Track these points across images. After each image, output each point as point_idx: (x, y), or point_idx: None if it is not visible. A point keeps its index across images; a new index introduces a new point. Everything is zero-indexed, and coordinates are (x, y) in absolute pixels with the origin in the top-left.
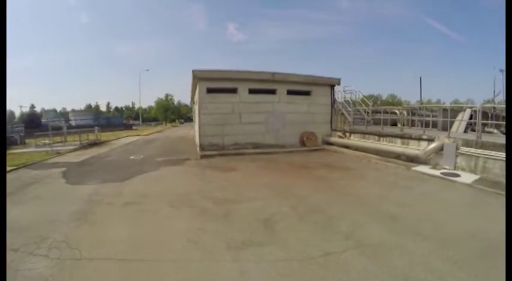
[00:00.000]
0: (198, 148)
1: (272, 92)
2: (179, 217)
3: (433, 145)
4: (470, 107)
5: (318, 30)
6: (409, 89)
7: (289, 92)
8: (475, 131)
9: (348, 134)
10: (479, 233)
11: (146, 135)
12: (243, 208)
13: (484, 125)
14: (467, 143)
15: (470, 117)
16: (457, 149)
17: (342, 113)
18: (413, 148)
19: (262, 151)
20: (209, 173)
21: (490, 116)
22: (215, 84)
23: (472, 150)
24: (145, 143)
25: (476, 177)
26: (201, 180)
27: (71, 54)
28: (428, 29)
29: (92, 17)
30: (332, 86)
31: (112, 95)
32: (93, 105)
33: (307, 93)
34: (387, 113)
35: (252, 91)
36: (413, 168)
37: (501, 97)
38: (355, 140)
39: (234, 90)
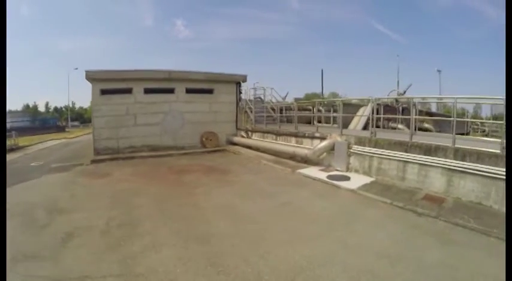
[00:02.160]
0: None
1: (170, 91)
2: None
3: (322, 144)
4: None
5: (268, 30)
6: (358, 88)
7: (189, 91)
8: (379, 127)
9: (250, 133)
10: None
11: (72, 138)
12: (64, 220)
13: (388, 120)
14: (359, 141)
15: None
16: (349, 148)
17: (246, 111)
18: (305, 148)
19: (157, 153)
20: (79, 181)
21: (400, 110)
22: (109, 85)
23: (366, 149)
24: (61, 148)
25: (370, 180)
26: (63, 188)
27: (9, 49)
28: (374, 31)
29: (33, 9)
30: (237, 83)
31: (53, 95)
32: (31, 105)
33: (209, 91)
34: (305, 110)
35: (148, 91)
36: (299, 170)
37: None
38: (255, 139)
39: (129, 91)
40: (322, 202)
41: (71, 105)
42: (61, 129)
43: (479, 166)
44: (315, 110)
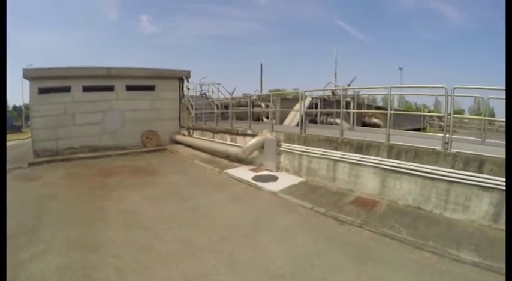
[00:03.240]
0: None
1: (110, 88)
2: None
3: (252, 141)
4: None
5: (234, 27)
6: (320, 84)
7: (130, 88)
8: (317, 122)
9: (191, 131)
10: None
11: (25, 139)
12: None
13: (328, 115)
14: (289, 138)
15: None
16: (279, 145)
17: (188, 108)
18: (236, 146)
19: (96, 154)
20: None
21: (344, 105)
22: (47, 83)
23: (296, 146)
24: (10, 150)
25: (298, 180)
26: None
27: None
28: (338, 30)
29: None
30: (181, 79)
31: (13, 93)
32: None
33: (151, 88)
34: (257, 106)
35: (86, 89)
36: (227, 170)
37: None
38: (194, 138)
39: (67, 89)
40: (235, 206)
41: (23, 103)
42: (17, 129)
43: (416, 165)
44: (262, 105)
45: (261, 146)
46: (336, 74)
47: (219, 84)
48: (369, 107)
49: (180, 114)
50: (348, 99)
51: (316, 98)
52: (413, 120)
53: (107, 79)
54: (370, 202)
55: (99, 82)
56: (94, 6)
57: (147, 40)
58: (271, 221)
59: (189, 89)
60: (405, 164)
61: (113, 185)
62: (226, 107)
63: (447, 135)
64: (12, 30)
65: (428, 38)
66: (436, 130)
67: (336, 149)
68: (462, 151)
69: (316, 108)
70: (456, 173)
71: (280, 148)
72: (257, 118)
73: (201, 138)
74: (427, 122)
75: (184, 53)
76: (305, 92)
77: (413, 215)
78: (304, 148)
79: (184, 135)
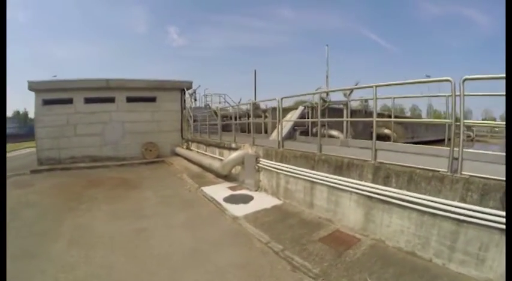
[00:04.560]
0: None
1: (110, 100)
2: None
3: (231, 157)
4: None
5: (261, 39)
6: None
7: (130, 99)
8: (308, 134)
9: (190, 143)
10: None
11: None
12: None
13: (323, 125)
14: (267, 154)
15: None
16: (257, 161)
17: (187, 120)
18: (219, 160)
19: (95, 164)
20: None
21: (348, 113)
22: (51, 95)
23: (275, 164)
24: (27, 156)
25: (273, 204)
26: None
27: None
28: (365, 40)
29: (28, 15)
30: (182, 90)
31: None
32: (21, 112)
33: (152, 99)
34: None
35: (88, 100)
36: (205, 187)
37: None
38: (189, 150)
39: (70, 101)
40: (184, 232)
41: None
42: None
43: (409, 195)
44: (262, 115)
45: (242, 162)
46: (327, 77)
47: (224, 94)
48: (380, 115)
49: (181, 125)
50: (340, 106)
51: (306, 106)
52: (437, 130)
53: (107, 91)
54: (347, 240)
55: (100, 94)
56: (122, 20)
57: (176, 52)
58: (211, 256)
59: (195, 99)
60: (395, 193)
61: (88, 197)
62: (231, 118)
63: (455, 149)
64: (51, 42)
65: (456, 46)
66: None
67: (313, 168)
68: (479, 175)
69: (309, 117)
70: (468, 209)
71: (259, 165)
72: (260, 130)
73: (195, 151)
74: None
75: (211, 64)
76: (282, 99)
77: (403, 265)
78: (281, 165)
79: (183, 147)
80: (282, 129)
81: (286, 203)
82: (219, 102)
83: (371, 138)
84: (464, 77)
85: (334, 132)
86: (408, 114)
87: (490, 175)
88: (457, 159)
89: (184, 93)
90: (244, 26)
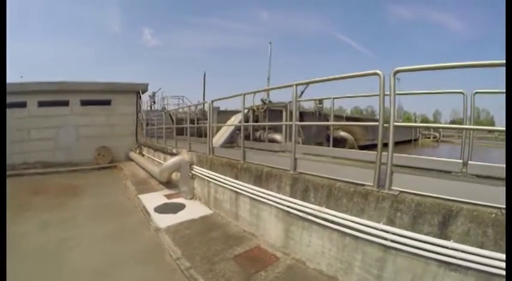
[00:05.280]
0: None
1: (64, 103)
2: None
3: (168, 163)
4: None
5: (236, 41)
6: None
7: (85, 103)
8: (249, 138)
9: (142, 148)
10: None
11: None
12: None
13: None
14: (199, 160)
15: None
16: (191, 168)
17: (141, 123)
18: (159, 166)
19: (46, 170)
20: None
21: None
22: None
23: (205, 171)
24: None
25: (202, 214)
26: None
27: None
28: (338, 43)
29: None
30: (138, 93)
31: None
32: None
33: (107, 102)
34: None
35: (42, 104)
36: (142, 195)
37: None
38: (139, 154)
39: (23, 105)
40: (102, 246)
41: None
42: None
43: (328, 212)
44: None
45: (179, 168)
46: (269, 78)
47: (183, 96)
48: (337, 118)
49: (136, 129)
50: (280, 108)
51: (249, 110)
52: (404, 131)
53: (61, 94)
54: (265, 259)
55: (54, 97)
56: (96, 19)
57: (150, 52)
58: (116, 275)
59: (154, 102)
60: (313, 209)
61: (33, 205)
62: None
63: (383, 161)
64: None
65: (430, 49)
66: (430, 141)
67: (236, 177)
68: (412, 191)
69: (255, 121)
70: (396, 234)
71: (193, 172)
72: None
73: (146, 156)
74: (419, 132)
75: (186, 65)
76: (212, 101)
77: None
78: (210, 173)
79: (136, 152)
80: (212, 135)
81: (215, 214)
82: (178, 105)
83: (327, 142)
84: (396, 69)
85: (277, 137)
86: (377, 116)
87: (429, 190)
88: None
89: (140, 96)
90: (219, 27)
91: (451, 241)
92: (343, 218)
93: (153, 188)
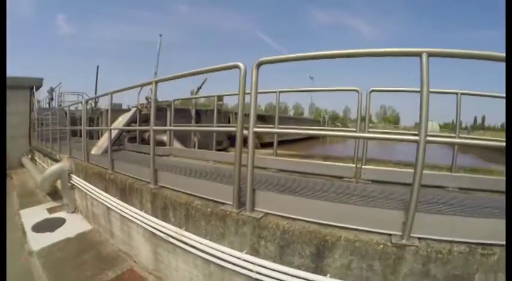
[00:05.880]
0: None
1: None
2: None
3: (47, 171)
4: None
5: (154, 33)
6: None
7: None
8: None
9: (34, 152)
10: None
11: None
12: None
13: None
14: (77, 168)
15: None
16: (70, 178)
17: (34, 123)
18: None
19: None
20: None
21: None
22: None
23: (81, 181)
24: None
25: (82, 230)
26: None
27: None
28: (257, 41)
29: None
30: (32, 89)
31: None
32: None
33: None
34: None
35: None
36: (23, 210)
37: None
38: (35, 160)
39: None
40: None
41: None
42: None
43: (187, 236)
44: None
45: (60, 177)
46: (156, 73)
47: (83, 93)
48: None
49: (29, 131)
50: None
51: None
52: (311, 125)
53: None
54: None
55: None
56: None
57: (62, 40)
58: None
59: (52, 99)
60: (173, 231)
61: None
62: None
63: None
64: None
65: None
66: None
67: (106, 189)
68: (279, 214)
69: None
70: (261, 266)
71: (72, 182)
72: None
73: (37, 162)
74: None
75: (101, 57)
76: (87, 101)
77: None
78: (85, 183)
79: (28, 157)
80: (85, 135)
81: (94, 230)
82: (79, 103)
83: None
84: (260, 60)
85: (164, 138)
86: (292, 112)
87: (300, 212)
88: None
89: (33, 92)
90: (139, 19)
91: (328, 276)
92: (202, 244)
93: (39, 201)
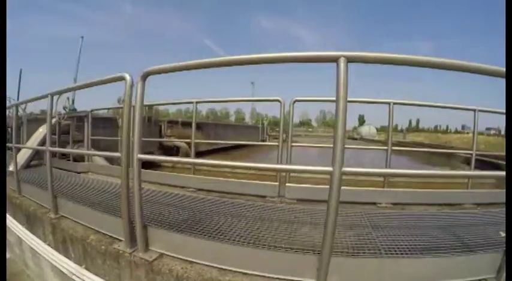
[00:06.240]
0: None
1: None
2: None
3: None
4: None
5: (98, 33)
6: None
7: None
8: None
9: None
10: None
11: None
12: None
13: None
14: None
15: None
16: None
17: None
18: None
19: None
20: None
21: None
22: None
23: None
24: None
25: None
26: None
27: None
28: (200, 45)
29: None
30: None
31: None
32: None
33: None
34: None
35: None
36: None
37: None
38: None
39: None
40: None
41: None
42: None
43: (87, 276)
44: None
45: None
46: (75, 79)
47: (9, 97)
48: (172, 123)
49: None
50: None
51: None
52: (251, 132)
53: None
54: None
55: None
56: None
57: None
58: None
59: None
60: (73, 268)
61: None
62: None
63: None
64: None
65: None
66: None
67: (14, 215)
68: (176, 255)
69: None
70: None
71: None
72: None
73: None
74: (267, 133)
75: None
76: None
77: None
78: None
79: None
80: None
81: (11, 259)
82: None
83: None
84: (145, 71)
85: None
86: (233, 117)
87: (198, 253)
88: None
89: None
90: (81, 16)
91: None
92: None
93: None
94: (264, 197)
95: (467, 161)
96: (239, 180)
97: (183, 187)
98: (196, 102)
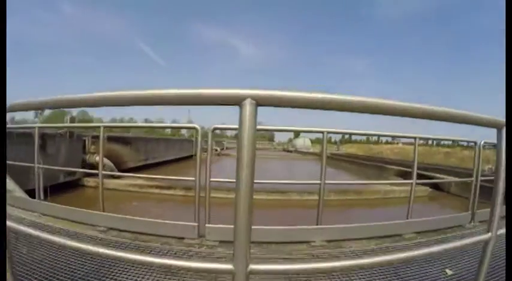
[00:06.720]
0: None
1: None
2: None
3: None
4: None
5: (35, 31)
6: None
7: None
8: None
9: None
10: None
11: None
12: None
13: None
14: None
15: None
16: None
17: None
18: None
19: None
20: None
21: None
22: None
23: None
24: None
25: None
26: None
27: None
28: (136, 49)
29: None
30: None
31: None
32: None
33: None
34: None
35: None
36: None
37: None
38: None
39: None
40: None
41: None
42: None
43: None
44: None
45: None
46: None
47: None
48: (96, 138)
49: None
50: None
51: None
52: (182, 147)
53: None
54: None
55: None
56: None
57: None
58: None
59: None
60: None
61: None
62: None
63: None
64: None
65: (224, 68)
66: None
67: None
68: None
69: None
70: None
71: None
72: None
73: None
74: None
75: None
76: None
77: None
78: None
79: None
80: None
81: None
82: None
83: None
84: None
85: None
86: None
87: None
88: None
89: None
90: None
91: None
92: None
93: None
94: (182, 238)
95: (400, 174)
96: (153, 220)
97: (92, 225)
98: (104, 127)
